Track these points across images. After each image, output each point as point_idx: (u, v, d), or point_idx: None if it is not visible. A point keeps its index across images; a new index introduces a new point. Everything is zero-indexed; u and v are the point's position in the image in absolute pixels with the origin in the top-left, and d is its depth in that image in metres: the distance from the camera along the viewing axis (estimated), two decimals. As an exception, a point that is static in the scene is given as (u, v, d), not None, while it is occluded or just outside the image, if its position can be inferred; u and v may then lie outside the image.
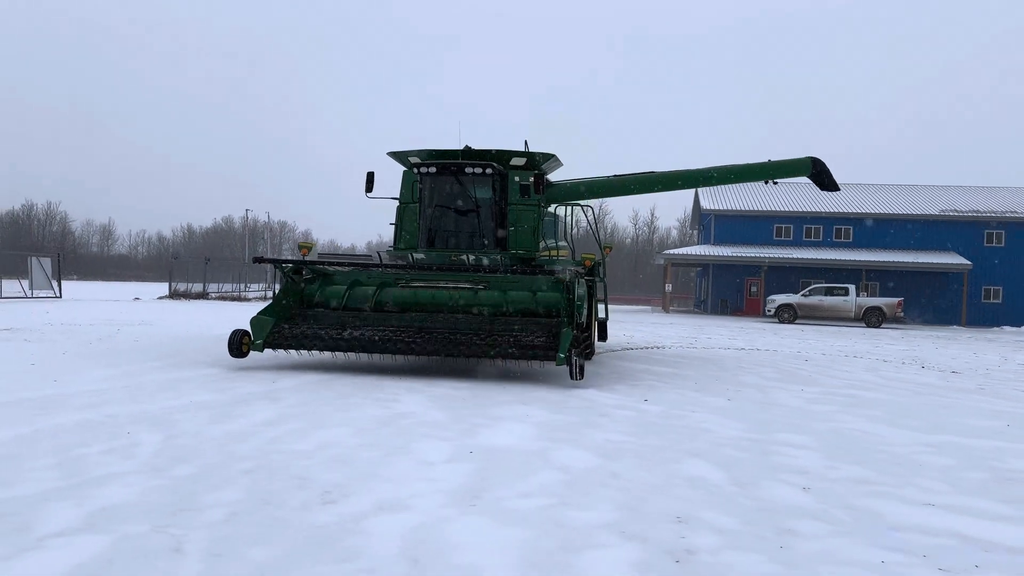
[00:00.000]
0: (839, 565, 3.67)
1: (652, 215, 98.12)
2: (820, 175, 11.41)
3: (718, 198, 42.00)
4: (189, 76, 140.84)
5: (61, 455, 5.23)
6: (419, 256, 12.29)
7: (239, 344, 10.20)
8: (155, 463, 5.13)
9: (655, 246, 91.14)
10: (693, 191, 44.95)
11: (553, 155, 12.62)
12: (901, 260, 37.29)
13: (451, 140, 15.82)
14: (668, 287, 39.98)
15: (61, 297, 32.94)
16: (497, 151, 12.14)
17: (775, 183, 12.09)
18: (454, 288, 10.64)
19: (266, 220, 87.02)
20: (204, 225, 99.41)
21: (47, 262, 34.32)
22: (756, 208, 40.72)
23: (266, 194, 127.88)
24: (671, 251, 43.63)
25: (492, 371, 10.81)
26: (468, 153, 12.20)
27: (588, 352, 11.40)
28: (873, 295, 35.80)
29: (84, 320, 19.34)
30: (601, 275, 13.48)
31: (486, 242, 11.88)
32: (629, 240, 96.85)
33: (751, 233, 40.14)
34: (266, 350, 10.23)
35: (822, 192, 42.95)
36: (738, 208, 40.65)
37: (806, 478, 5.39)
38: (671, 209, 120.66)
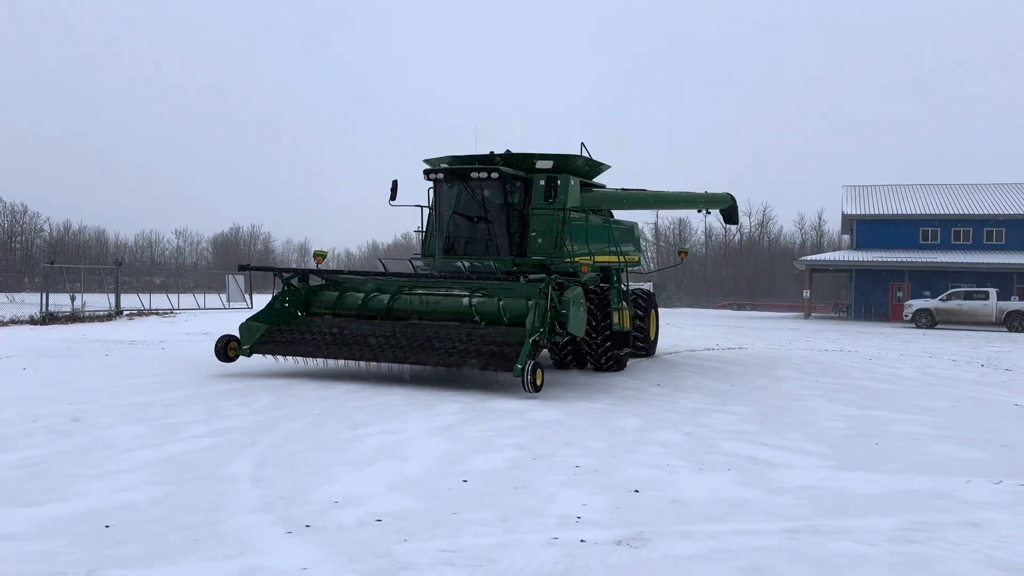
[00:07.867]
0: (635, 465, 5.80)
1: (820, 218, 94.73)
2: (731, 209, 12.91)
3: (860, 202, 41.63)
4: (373, 93, 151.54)
5: (206, 405, 8.19)
6: (418, 263, 12.80)
7: (225, 349, 10.91)
8: (263, 409, 7.97)
9: (823, 251, 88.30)
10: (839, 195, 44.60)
11: (583, 156, 12.54)
12: (1058, 262, 35.42)
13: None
14: (806, 293, 40.10)
15: (252, 308, 38.31)
16: (521, 154, 12.07)
17: (708, 213, 13.18)
18: (442, 295, 10.95)
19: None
20: (386, 242, 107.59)
21: (240, 278, 39.99)
22: (899, 212, 39.99)
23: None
24: (809, 257, 43.60)
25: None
26: (484, 159, 12.17)
27: (610, 363, 11.93)
28: (1027, 299, 34.38)
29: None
30: (617, 282, 12.90)
31: (500, 248, 11.92)
32: (796, 246, 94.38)
33: (896, 237, 39.47)
34: None
35: (970, 192, 41.21)
36: (880, 212, 40.11)
37: (699, 428, 7.40)
38: (839, 212, 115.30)
